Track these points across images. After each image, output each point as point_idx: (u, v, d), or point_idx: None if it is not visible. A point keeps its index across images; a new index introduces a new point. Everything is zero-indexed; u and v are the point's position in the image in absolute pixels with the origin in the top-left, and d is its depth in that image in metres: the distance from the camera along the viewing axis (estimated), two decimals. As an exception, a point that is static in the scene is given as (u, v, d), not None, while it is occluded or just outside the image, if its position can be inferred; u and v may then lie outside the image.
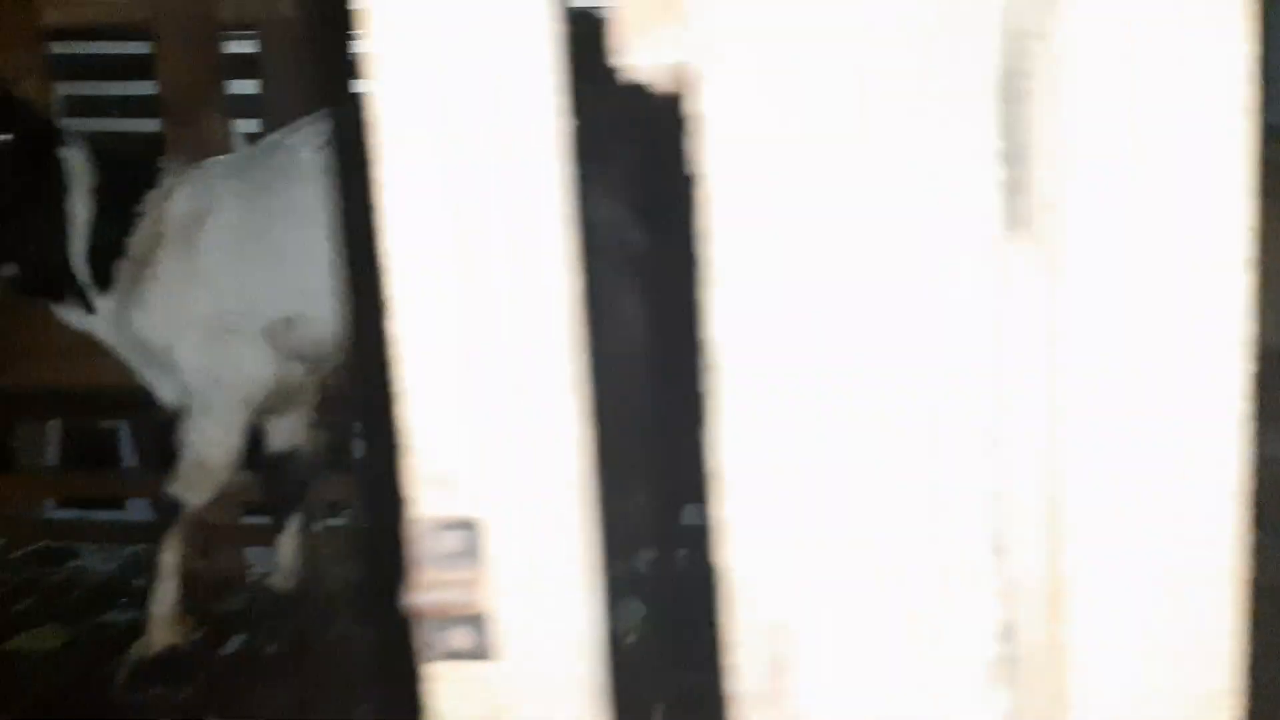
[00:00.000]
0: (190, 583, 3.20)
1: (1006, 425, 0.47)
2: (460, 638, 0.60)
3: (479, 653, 0.60)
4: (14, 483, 3.78)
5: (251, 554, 3.43)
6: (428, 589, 0.59)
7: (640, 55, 0.49)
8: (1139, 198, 0.51)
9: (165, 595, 2.80)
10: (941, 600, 0.46)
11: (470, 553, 0.60)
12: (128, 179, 2.68)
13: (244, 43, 3.47)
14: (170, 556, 2.79)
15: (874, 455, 0.47)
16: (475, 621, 0.60)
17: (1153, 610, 0.51)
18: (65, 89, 3.67)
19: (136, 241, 2.66)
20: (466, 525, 0.59)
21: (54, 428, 3.91)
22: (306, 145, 2.65)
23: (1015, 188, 0.46)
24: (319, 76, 3.19)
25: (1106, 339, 0.52)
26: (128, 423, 3.92)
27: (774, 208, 0.50)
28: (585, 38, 0.66)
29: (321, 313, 2.49)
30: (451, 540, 0.59)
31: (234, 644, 2.97)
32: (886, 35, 0.49)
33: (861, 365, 0.49)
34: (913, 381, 0.49)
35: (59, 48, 3.51)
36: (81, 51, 4.07)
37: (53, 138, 2.60)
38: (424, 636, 0.60)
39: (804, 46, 0.50)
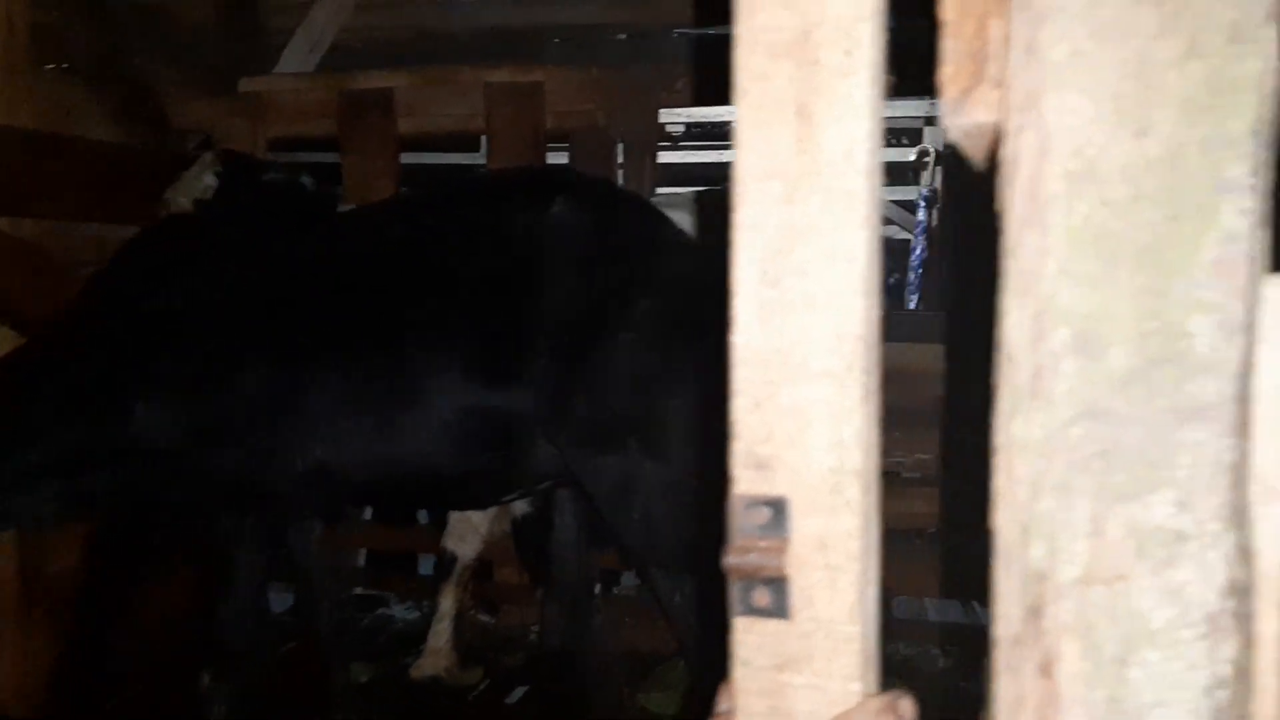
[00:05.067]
0: (483, 636, 3.52)
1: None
2: (762, 597, 0.73)
3: (777, 611, 0.73)
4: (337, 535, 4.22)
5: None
6: (740, 554, 0.73)
7: (959, 118, 0.63)
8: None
9: (440, 633, 3.21)
10: (1170, 557, 0.55)
11: (776, 526, 0.73)
12: None
13: (563, 153, 3.87)
14: (446, 601, 3.21)
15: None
16: (776, 584, 0.73)
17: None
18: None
19: None
20: (771, 502, 0.73)
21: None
22: None
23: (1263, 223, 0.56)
24: (629, 182, 3.53)
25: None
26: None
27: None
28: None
29: None
30: (761, 514, 0.73)
31: (517, 694, 3.20)
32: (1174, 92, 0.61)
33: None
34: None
35: (407, 157, 4.04)
36: (423, 162, 4.67)
37: None
38: (733, 595, 0.74)
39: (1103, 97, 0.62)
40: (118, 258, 2.81)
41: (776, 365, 0.73)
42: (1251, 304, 0.55)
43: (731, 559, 0.73)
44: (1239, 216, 0.54)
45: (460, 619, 3.31)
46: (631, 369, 2.32)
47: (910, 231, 6.80)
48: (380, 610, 4.01)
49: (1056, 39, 0.56)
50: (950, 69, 0.64)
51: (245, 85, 3.82)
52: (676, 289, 2.37)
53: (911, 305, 5.97)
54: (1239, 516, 0.56)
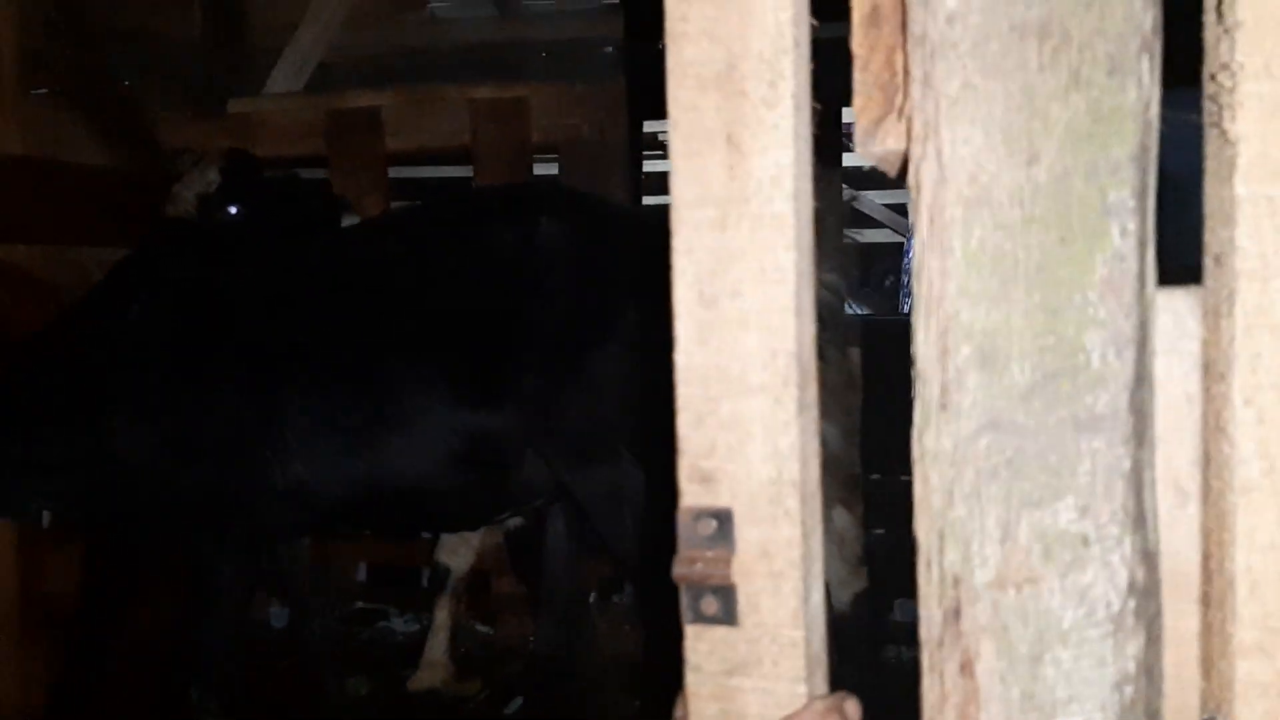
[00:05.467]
0: (481, 647, 3.56)
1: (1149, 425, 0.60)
2: (710, 605, 0.77)
3: (725, 618, 0.76)
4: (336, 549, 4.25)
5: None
6: (688, 564, 0.76)
7: (872, 146, 0.66)
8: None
9: (436, 646, 3.26)
10: (1075, 560, 0.58)
11: (722, 536, 0.76)
12: None
13: (549, 164, 3.91)
14: (441, 614, 3.26)
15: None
16: (723, 592, 0.76)
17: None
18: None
19: None
20: (716, 514, 0.76)
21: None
22: None
23: (1144, 243, 0.59)
24: (615, 192, 3.57)
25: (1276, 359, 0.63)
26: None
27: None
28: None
29: None
30: (707, 526, 0.77)
31: (515, 704, 3.23)
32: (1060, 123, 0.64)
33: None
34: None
35: (396, 172, 4.08)
36: (412, 176, 4.72)
37: None
38: (684, 603, 0.77)
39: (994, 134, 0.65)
40: (113, 271, 2.86)
41: (716, 382, 0.76)
42: (1141, 319, 0.59)
43: (680, 569, 0.76)
44: (1124, 237, 0.58)
45: (457, 630, 3.34)
46: (621, 379, 2.36)
47: (904, 235, 6.82)
48: (381, 623, 4.04)
49: (949, 73, 0.60)
50: (861, 100, 0.67)
51: (234, 106, 3.87)
52: (664, 298, 2.39)
53: (906, 308, 5.99)
54: (1138, 521, 0.59)
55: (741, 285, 0.76)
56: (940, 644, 0.61)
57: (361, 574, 4.28)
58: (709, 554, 0.76)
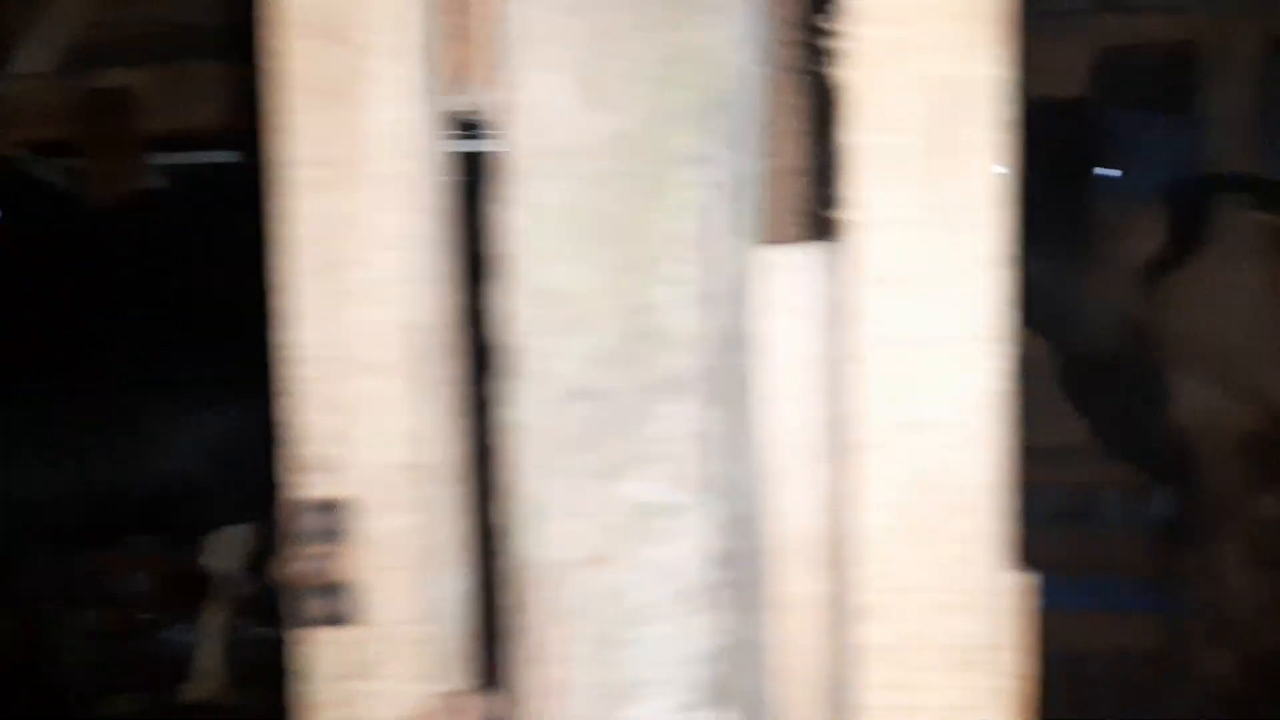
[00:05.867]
0: (264, 652, 3.40)
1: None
2: (325, 605, 0.70)
3: (342, 618, 0.70)
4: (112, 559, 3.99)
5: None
6: (300, 561, 0.69)
7: (459, 96, 0.61)
8: (914, 207, 0.60)
9: (208, 653, 3.11)
10: (656, 532, 0.55)
11: (340, 529, 0.70)
12: None
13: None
14: (211, 620, 3.12)
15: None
16: (340, 590, 0.70)
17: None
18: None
19: None
20: (332, 506, 0.70)
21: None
22: None
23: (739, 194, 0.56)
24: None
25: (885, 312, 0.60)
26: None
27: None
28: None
29: None
30: (323, 519, 0.70)
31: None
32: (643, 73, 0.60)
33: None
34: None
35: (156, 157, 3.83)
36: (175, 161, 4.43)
37: None
38: (295, 604, 0.70)
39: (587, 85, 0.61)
40: None
41: (332, 361, 0.70)
42: (734, 276, 0.55)
43: (290, 567, 0.69)
44: (703, 189, 0.54)
45: (233, 636, 3.18)
46: None
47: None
48: (161, 634, 3.81)
49: (532, 16, 0.55)
50: (446, 47, 0.62)
51: (-26, 87, 3.55)
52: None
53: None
54: (728, 487, 0.56)
55: (362, 253, 0.69)
56: (519, 631, 0.57)
57: (139, 583, 4.03)
58: (324, 549, 0.69)
